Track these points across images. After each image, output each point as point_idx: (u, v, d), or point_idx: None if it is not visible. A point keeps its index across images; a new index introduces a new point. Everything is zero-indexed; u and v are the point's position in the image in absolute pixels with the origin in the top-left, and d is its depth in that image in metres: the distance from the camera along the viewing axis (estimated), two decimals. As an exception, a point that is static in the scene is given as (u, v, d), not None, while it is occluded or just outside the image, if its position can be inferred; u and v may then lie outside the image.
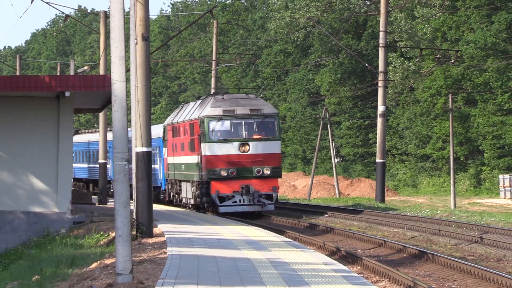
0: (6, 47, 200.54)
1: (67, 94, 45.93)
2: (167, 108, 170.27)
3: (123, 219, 26.98)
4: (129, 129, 34.45)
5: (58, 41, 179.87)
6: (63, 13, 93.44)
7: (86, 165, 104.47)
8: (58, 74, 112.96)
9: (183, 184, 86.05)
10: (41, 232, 44.13)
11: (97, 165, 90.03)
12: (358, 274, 31.44)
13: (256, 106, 76.33)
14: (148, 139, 41.43)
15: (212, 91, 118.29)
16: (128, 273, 26.45)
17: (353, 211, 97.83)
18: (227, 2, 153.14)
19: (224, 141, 74.49)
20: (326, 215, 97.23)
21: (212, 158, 76.46)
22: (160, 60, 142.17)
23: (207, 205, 79.32)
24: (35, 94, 47.17)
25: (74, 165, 75.31)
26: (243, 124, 76.53)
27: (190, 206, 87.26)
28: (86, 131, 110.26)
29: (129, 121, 35.68)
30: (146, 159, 41.05)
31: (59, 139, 46.19)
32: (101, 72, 79.95)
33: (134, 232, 34.44)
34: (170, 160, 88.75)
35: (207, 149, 75.84)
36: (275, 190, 76.38)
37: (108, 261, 30.23)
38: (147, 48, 41.78)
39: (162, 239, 40.40)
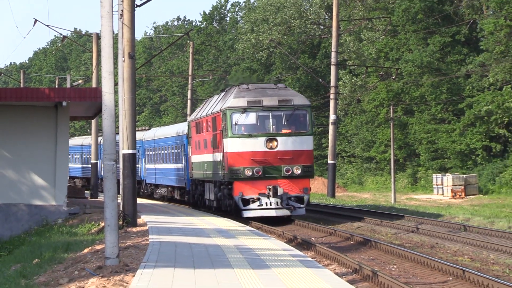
0: (12, 63, 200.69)
1: (64, 104, 45.98)
2: (150, 116, 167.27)
3: (111, 211, 27.08)
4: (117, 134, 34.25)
5: (56, 59, 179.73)
6: (61, 34, 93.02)
7: (80, 165, 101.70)
8: (56, 86, 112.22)
9: (206, 185, 69.57)
10: (41, 222, 44.08)
11: (90, 165, 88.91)
12: (312, 258, 31.61)
13: (285, 97, 59.70)
14: (133, 143, 41.49)
15: (189, 102, 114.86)
16: (115, 257, 26.48)
17: (308, 205, 78.72)
18: (202, 26, 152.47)
19: (249, 136, 58.06)
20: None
21: (235, 155, 59.49)
22: (144, 75, 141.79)
23: (230, 209, 61.31)
24: (37, 103, 47.15)
25: (70, 165, 71.62)
26: (271, 116, 59.32)
27: (214, 209, 69.72)
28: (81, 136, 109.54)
29: (117, 127, 35.56)
30: (131, 159, 41.08)
31: (57, 142, 46.14)
32: (93, 85, 77.75)
33: (120, 222, 34.42)
34: (194, 158, 71.72)
35: (229, 145, 59.33)
36: (307, 192, 58.95)
37: (98, 247, 30.17)
38: (132, 65, 41.74)
39: (145, 228, 40.40)
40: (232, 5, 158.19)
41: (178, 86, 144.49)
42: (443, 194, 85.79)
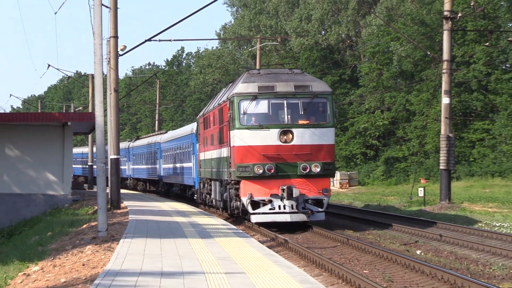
0: (32, 95, 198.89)
1: (69, 123, 45.78)
2: (129, 132, 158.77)
3: (102, 198, 27.18)
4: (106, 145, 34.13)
5: (63, 92, 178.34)
6: (66, 75, 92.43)
7: (81, 166, 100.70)
8: (63, 111, 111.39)
9: (213, 183, 47.50)
10: (53, 206, 43.81)
11: (87, 166, 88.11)
12: (242, 231, 31.46)
13: (302, 82, 39.26)
14: (117, 150, 41.30)
15: (157, 122, 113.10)
16: (105, 230, 26.55)
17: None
18: (165, 69, 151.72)
19: (260, 127, 37.12)
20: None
21: (243, 150, 37.68)
22: (125, 103, 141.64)
23: (237, 211, 40.47)
24: (50, 123, 46.88)
25: (73, 166, 69.17)
26: (285, 105, 37.76)
27: (220, 210, 47.37)
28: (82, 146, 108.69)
29: (106, 139, 35.51)
30: (116, 162, 40.83)
31: (64, 150, 45.88)
32: (90, 110, 76.68)
33: (109, 206, 34.34)
34: (201, 156, 50.40)
35: (237, 138, 37.93)
36: (327, 194, 39.02)
37: (93, 224, 30.20)
38: (117, 96, 41.56)
39: (126, 210, 40.31)
40: (186, 54, 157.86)
41: (149, 111, 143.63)
42: (334, 186, 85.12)
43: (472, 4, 64.09)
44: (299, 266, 21.33)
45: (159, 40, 54.44)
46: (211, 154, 43.20)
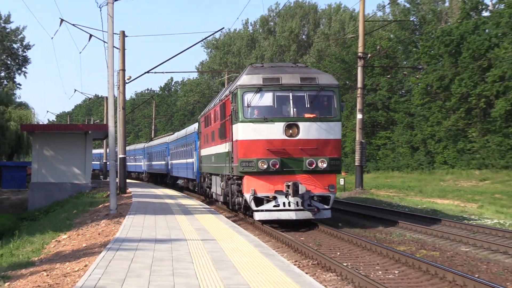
0: (63, 111, 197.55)
1: (89, 132, 45.47)
2: (133, 138, 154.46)
3: (113, 186, 26.94)
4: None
5: (86, 109, 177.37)
6: (88, 97, 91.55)
7: (98, 163, 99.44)
8: (85, 123, 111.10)
9: (213, 178, 38.05)
10: (78, 192, 43.48)
11: (103, 163, 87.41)
12: (214, 209, 31.25)
13: (308, 74, 27.80)
14: (124, 151, 40.88)
15: (153, 132, 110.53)
16: (115, 209, 26.30)
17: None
18: (160, 93, 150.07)
19: (264, 120, 25.79)
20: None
21: (247, 144, 26.21)
22: (130, 118, 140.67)
23: (239, 207, 29.51)
24: (76, 132, 46.60)
25: (93, 162, 67.01)
26: (291, 97, 26.50)
27: (220, 203, 37.22)
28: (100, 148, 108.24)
29: (116, 143, 35.32)
30: (123, 160, 40.39)
31: (86, 151, 45.51)
32: (104, 122, 75.16)
33: (118, 191, 34.02)
34: (202, 152, 40.95)
35: (240, 131, 26.42)
36: (333, 190, 27.15)
37: (106, 204, 29.93)
38: (124, 113, 41.27)
39: (130, 194, 39.99)
40: (174, 82, 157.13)
41: (147, 123, 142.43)
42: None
43: (378, 47, 65.41)
44: (254, 235, 21.29)
45: (155, 72, 54.91)
46: (211, 150, 34.20)
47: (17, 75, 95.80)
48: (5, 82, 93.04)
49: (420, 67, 69.44)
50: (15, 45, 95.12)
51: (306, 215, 24.06)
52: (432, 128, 67.52)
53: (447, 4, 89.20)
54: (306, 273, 14.32)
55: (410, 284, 14.46)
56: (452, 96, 63.86)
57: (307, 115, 24.82)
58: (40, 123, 73.74)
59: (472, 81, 61.84)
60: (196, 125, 44.59)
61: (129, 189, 45.45)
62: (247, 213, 27.03)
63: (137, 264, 13.05)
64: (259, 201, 24.29)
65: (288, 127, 24.47)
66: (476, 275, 15.02)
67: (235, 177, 26.39)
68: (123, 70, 41.07)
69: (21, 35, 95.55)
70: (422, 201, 39.97)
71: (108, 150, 57.66)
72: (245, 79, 25.24)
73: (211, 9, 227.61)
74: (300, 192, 23.82)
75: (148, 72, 48.25)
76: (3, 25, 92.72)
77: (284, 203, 24.08)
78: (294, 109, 24.75)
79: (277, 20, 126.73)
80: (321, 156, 24.56)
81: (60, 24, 36.76)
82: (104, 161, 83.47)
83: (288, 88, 24.92)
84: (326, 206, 24.57)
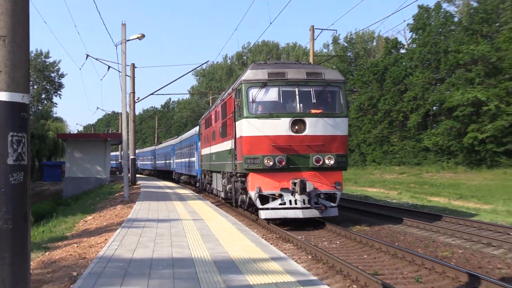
0: (88, 123, 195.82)
1: (108, 139, 45.07)
2: (140, 145, 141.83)
3: (126, 179, 26.72)
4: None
5: (105, 122, 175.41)
6: (107, 112, 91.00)
7: (114, 162, 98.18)
8: (106, 133, 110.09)
9: (213, 175, 30.13)
10: (99, 184, 43.09)
11: (118, 162, 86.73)
12: (202, 196, 31.09)
13: (314, 69, 19.29)
14: (134, 153, 40.59)
15: (156, 139, 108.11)
16: (127, 197, 26.09)
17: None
18: (161, 109, 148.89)
19: (270, 116, 17.77)
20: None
21: (252, 140, 18.28)
22: (138, 128, 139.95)
23: (242, 205, 21.17)
24: (98, 139, 46.01)
25: (111, 162, 65.94)
26: (297, 93, 18.31)
27: (221, 199, 29.63)
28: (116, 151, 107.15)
29: (128, 148, 35.17)
30: (133, 160, 40.10)
31: (105, 153, 45.02)
32: (119, 132, 74.30)
33: (130, 184, 33.78)
34: (203, 151, 33.83)
35: (245, 127, 18.32)
36: (339, 188, 18.71)
37: (121, 193, 29.67)
38: (134, 125, 41.00)
39: (139, 186, 39.76)
40: (172, 101, 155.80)
41: (151, 133, 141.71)
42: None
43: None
44: (232, 215, 21.24)
45: (157, 94, 54.69)
46: (212, 149, 28.08)
47: (54, 97, 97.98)
48: (45, 102, 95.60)
49: (355, 90, 70.48)
50: (52, 74, 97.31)
51: (313, 213, 18.40)
52: (364, 135, 68.58)
53: (375, 43, 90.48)
54: (271, 244, 14.38)
55: (348, 251, 14.57)
56: (379, 111, 65.67)
57: (313, 111, 18.89)
58: (71, 132, 73.21)
59: (393, 100, 64.03)
60: (197, 128, 38.90)
61: (139, 182, 45.20)
62: (251, 210, 21.19)
63: (144, 238, 13.04)
64: (264, 199, 18.73)
65: (294, 123, 18.62)
66: (396, 244, 15.17)
67: (238, 174, 20.55)
68: (133, 92, 40.90)
69: (57, 67, 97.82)
70: (357, 189, 40.25)
71: (122, 152, 57.16)
72: (249, 74, 19.30)
73: (200, 46, 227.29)
74: (307, 190, 18.24)
75: (152, 94, 48.94)
76: (44, 59, 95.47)
77: (290, 201, 18.41)
78: (301, 105, 18.80)
79: (249, 55, 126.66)
80: (328, 152, 18.79)
81: (86, 58, 36.50)
82: (120, 161, 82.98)
83: (294, 83, 18.97)
84: (333, 204, 18.87)
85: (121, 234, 13.68)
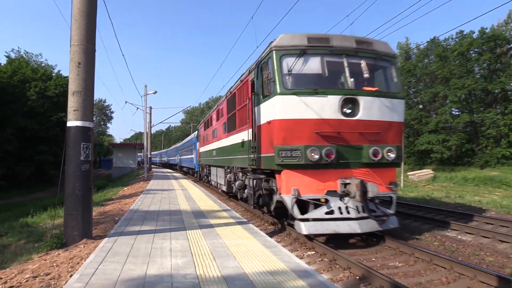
0: (125, 138, 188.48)
1: (136, 147, 43.77)
2: (153, 149, 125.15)
3: (146, 168, 25.79)
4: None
5: (136, 137, 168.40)
6: (136, 132, 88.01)
7: (140, 158, 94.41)
8: (135, 142, 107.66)
9: (212, 169, 13.05)
10: (131, 171, 41.63)
11: (142, 159, 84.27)
12: (187, 177, 30.01)
13: (363, 38, 3.96)
14: (150, 153, 39.55)
15: (162, 147, 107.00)
16: (146, 177, 25.21)
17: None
18: (165, 131, 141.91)
19: (314, 93, 3.56)
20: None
21: (288, 125, 3.83)
22: (153, 142, 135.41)
23: (267, 210, 5.64)
24: (131, 147, 44.53)
25: (138, 159, 62.48)
26: (346, 64, 3.85)
27: (221, 191, 13.63)
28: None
29: (147, 151, 34.11)
30: (149, 158, 39.10)
31: (135, 154, 43.57)
32: (144, 143, 72.11)
33: (148, 170, 32.60)
34: (201, 149, 17.83)
35: (278, 107, 3.80)
36: (394, 189, 4.18)
37: (142, 175, 28.68)
38: (151, 139, 39.91)
39: (153, 172, 38.55)
40: (171, 127, 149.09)
41: (159, 143, 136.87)
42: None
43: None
44: (204, 188, 20.91)
45: (162, 122, 52.89)
46: (211, 146, 14.94)
47: (107, 123, 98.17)
48: (102, 126, 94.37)
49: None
50: (107, 111, 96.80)
51: (372, 225, 6.27)
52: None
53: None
54: (223, 203, 14.24)
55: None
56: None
57: (367, 89, 6.53)
58: (116, 142, 71.22)
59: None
60: (196, 132, 28.33)
61: (153, 170, 43.91)
62: (283, 220, 8.07)
63: (154, 199, 12.73)
64: (302, 205, 6.55)
65: (346, 102, 6.33)
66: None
67: (259, 170, 7.86)
68: (150, 121, 39.72)
69: (110, 108, 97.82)
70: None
71: (143, 153, 55.27)
72: (283, 39, 6.45)
73: (187, 92, 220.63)
74: (370, 195, 6.20)
75: (160, 122, 48.81)
76: (102, 103, 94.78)
77: (340, 208, 6.31)
78: (351, 79, 6.39)
79: (212, 103, 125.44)
80: (386, 143, 6.64)
81: (125, 103, 36.14)
82: (143, 158, 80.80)
83: (340, 52, 6.47)
84: (390, 211, 6.66)
85: (142, 198, 13.18)
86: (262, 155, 7.09)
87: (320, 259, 5.65)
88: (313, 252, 5.85)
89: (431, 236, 7.29)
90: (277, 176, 6.63)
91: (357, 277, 4.71)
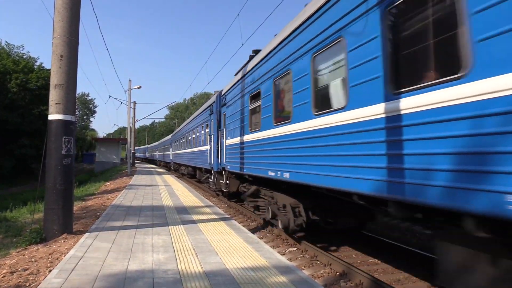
0: (108, 132, 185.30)
1: (120, 142, 43.08)
2: (137, 144, 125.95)
3: (129, 163, 25.33)
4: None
5: (119, 132, 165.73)
6: (120, 126, 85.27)
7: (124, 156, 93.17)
8: (119, 138, 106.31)
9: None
10: (114, 165, 41.04)
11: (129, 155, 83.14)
12: (169, 172, 29.94)
13: None
14: (133, 149, 39.03)
15: (146, 142, 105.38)
16: (129, 172, 24.78)
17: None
18: (149, 126, 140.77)
19: None
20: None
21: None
22: (136, 137, 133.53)
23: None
24: (114, 142, 43.71)
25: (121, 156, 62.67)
26: None
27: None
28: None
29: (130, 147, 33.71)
30: (133, 153, 38.47)
31: (119, 149, 42.92)
32: (127, 138, 71.00)
33: (131, 165, 32.18)
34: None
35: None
36: None
37: (126, 171, 28.29)
38: (135, 134, 39.33)
39: (136, 167, 37.95)
40: (156, 122, 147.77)
41: (143, 138, 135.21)
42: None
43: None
44: (186, 183, 20.82)
45: (147, 118, 52.45)
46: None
47: (90, 117, 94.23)
48: (85, 120, 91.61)
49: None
50: (90, 105, 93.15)
51: None
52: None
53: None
54: (206, 198, 14.22)
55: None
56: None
57: None
58: (99, 137, 69.84)
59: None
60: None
61: (136, 165, 43.31)
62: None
63: (137, 194, 12.55)
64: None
65: None
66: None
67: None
68: (134, 116, 39.26)
69: (93, 102, 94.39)
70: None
71: (126, 149, 54.40)
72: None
73: (172, 88, 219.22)
74: None
75: (144, 117, 47.63)
76: (85, 97, 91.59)
77: None
78: None
79: (196, 99, 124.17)
80: None
81: (109, 97, 35.35)
82: (126, 153, 79.51)
83: None
84: None
85: (124, 193, 12.98)
86: None
87: (301, 255, 5.89)
88: (295, 249, 6.12)
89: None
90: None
91: (338, 273, 4.93)
